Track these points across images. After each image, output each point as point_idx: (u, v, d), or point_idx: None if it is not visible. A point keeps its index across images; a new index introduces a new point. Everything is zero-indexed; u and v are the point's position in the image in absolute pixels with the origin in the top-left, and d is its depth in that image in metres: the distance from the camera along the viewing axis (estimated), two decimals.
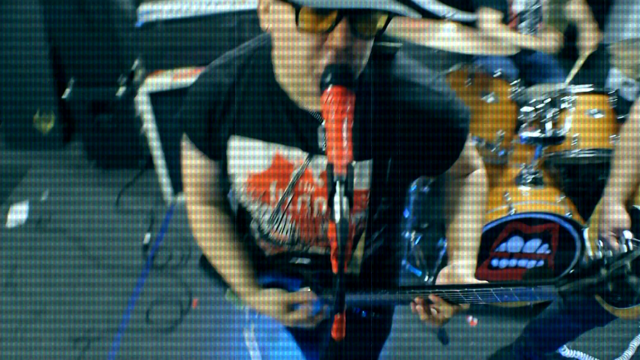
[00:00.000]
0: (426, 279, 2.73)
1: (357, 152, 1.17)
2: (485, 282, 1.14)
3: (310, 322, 1.42)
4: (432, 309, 1.21)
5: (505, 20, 3.31)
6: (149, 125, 3.10)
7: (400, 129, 1.18)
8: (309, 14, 0.95)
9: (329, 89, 0.99)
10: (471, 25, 3.60)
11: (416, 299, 1.22)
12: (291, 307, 1.42)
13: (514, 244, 2.60)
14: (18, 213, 3.47)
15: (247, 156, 1.24)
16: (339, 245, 0.88)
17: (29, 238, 3.30)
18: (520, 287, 1.05)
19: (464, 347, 2.66)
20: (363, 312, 1.48)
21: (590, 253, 1.92)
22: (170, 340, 2.70)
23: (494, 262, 2.65)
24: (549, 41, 3.09)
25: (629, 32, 4.09)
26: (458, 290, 1.15)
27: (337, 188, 0.90)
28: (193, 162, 1.35)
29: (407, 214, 2.85)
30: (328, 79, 0.99)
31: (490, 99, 2.53)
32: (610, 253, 0.93)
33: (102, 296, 2.93)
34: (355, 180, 1.20)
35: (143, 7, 2.96)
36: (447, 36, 2.48)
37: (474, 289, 1.12)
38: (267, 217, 1.33)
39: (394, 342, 1.76)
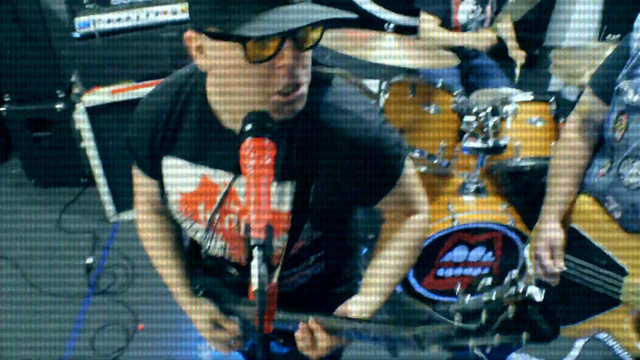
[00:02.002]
0: None
1: (278, 171, 1.17)
2: (358, 317, 1.20)
3: (226, 348, 1.45)
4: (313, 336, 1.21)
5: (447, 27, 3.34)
6: (88, 143, 3.01)
7: (325, 155, 1.17)
8: (254, 43, 0.96)
9: (248, 140, 0.99)
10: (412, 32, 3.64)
11: (300, 325, 1.21)
12: (217, 325, 1.42)
13: (459, 253, 2.62)
14: None
15: (178, 175, 1.27)
16: (258, 312, 0.88)
17: None
18: (381, 329, 1.06)
19: (415, 357, 2.67)
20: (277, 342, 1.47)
21: (532, 271, 1.93)
22: None
23: (440, 272, 2.68)
24: (484, 40, 3.14)
25: (569, 33, 4.20)
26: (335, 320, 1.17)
27: (255, 253, 0.88)
28: (141, 179, 1.41)
29: None
30: (247, 128, 0.99)
31: (432, 109, 2.54)
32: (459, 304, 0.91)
33: (43, 323, 2.83)
34: (275, 200, 1.20)
35: (80, 18, 2.87)
36: (387, 51, 2.47)
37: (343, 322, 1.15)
38: (199, 234, 1.34)
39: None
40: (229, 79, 1.05)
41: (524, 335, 0.85)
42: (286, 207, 1.21)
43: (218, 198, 1.25)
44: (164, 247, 1.48)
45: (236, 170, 1.19)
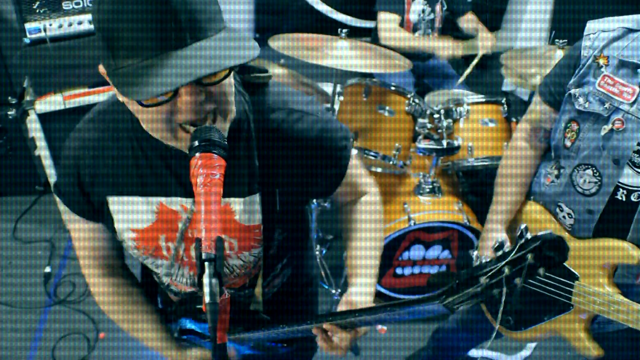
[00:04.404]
0: (333, 291, 2.76)
1: (244, 188, 1.18)
2: (374, 305, 1.18)
3: None
4: (332, 337, 1.21)
5: (401, 26, 3.38)
6: (42, 150, 2.96)
7: (282, 157, 1.18)
8: None
9: (197, 156, 0.96)
10: (367, 34, 3.67)
11: (313, 330, 1.22)
12: None
13: (416, 252, 2.67)
14: None
15: (129, 212, 1.21)
16: (211, 326, 0.87)
17: None
18: (408, 307, 1.07)
19: (376, 357, 2.72)
20: (278, 345, 1.48)
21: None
22: None
23: (398, 271, 2.72)
24: (445, 49, 3.18)
25: (521, 34, 4.30)
26: (351, 318, 1.16)
27: (206, 267, 0.88)
28: (79, 227, 1.31)
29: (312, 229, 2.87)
30: (195, 144, 0.96)
31: (386, 112, 2.58)
32: (485, 260, 0.96)
33: (3, 333, 2.77)
34: (246, 216, 1.20)
35: (31, 24, 2.81)
36: (340, 57, 2.48)
37: (366, 315, 1.14)
38: (162, 270, 1.30)
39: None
40: (137, 115, 1.03)
41: (541, 270, 0.90)
42: (257, 221, 1.21)
43: (180, 225, 1.21)
44: (128, 312, 1.40)
45: (193, 192, 1.15)
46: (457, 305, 0.99)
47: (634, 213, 1.49)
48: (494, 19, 4.10)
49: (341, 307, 1.27)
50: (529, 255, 0.90)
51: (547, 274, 1.65)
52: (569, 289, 1.62)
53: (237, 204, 1.19)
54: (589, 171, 1.54)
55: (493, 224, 1.80)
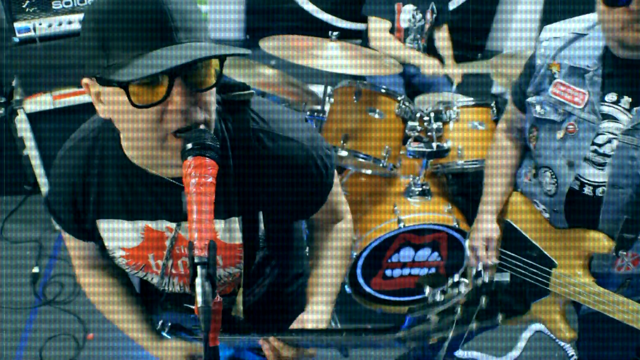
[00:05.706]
0: None
1: (221, 212, 1.18)
2: (331, 328, 1.19)
3: None
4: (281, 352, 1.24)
5: (391, 32, 3.40)
6: (31, 150, 2.94)
7: (265, 184, 1.18)
8: (140, 87, 0.92)
9: (190, 159, 0.96)
10: (358, 36, 3.69)
11: (260, 341, 1.25)
12: (192, 357, 1.42)
13: (406, 254, 2.69)
14: None
15: (118, 234, 1.23)
16: (204, 329, 0.88)
17: None
18: (362, 337, 1.08)
19: (365, 356, 2.73)
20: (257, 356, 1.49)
21: (467, 262, 2.03)
22: None
23: (388, 272, 2.74)
24: (430, 67, 3.22)
25: (509, 41, 4.36)
26: (299, 337, 1.21)
27: (198, 271, 0.89)
28: (70, 242, 1.35)
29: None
30: (188, 147, 0.96)
31: (377, 114, 2.59)
32: (441, 297, 0.95)
33: None
34: (227, 236, 1.21)
35: (20, 23, 2.80)
36: (331, 59, 2.49)
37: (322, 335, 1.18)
38: (155, 281, 1.33)
39: None
40: (123, 124, 1.02)
41: (500, 317, 0.90)
42: (237, 240, 1.22)
43: (167, 243, 1.23)
44: (115, 301, 1.43)
45: (178, 216, 1.18)
46: (410, 341, 1.00)
47: (600, 205, 1.57)
48: (484, 20, 4.13)
49: (295, 325, 1.31)
50: (482, 299, 0.88)
51: (526, 259, 1.76)
52: (546, 275, 1.71)
53: (217, 226, 1.20)
54: (548, 173, 1.64)
55: (484, 214, 1.87)
